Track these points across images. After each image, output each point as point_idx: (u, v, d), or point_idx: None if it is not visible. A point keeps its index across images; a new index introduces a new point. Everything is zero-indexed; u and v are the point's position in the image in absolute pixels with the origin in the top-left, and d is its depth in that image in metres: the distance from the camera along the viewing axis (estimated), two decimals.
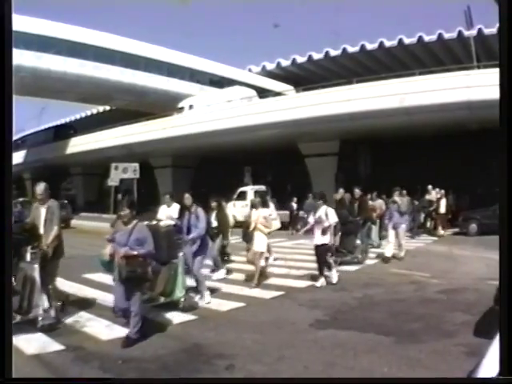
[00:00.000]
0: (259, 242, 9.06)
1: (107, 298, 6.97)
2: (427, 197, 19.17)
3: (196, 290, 7.79)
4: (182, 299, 7.07)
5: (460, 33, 29.32)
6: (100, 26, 56.29)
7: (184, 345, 5.57)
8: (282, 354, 5.15)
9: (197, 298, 7.63)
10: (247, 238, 9.69)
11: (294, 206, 20.51)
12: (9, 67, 2.90)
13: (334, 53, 33.58)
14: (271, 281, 9.39)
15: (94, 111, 46.61)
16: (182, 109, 32.52)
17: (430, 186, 19.16)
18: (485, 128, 19.88)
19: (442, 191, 18.79)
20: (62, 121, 51.25)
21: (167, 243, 6.89)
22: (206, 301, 7.50)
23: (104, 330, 6.09)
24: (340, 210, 10.30)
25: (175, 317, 6.73)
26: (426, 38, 30.61)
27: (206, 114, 28.50)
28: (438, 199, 18.65)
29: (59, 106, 70.74)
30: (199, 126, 27.38)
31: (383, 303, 7.53)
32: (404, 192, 16.11)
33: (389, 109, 20.98)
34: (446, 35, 30.00)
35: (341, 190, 13.00)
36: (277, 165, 29.00)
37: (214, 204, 10.18)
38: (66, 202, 26.15)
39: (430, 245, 15.64)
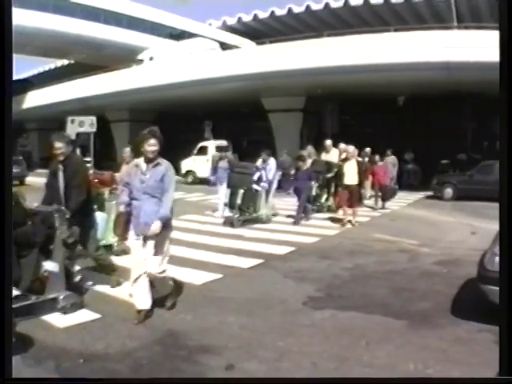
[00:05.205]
0: None
1: None
2: (324, 156, 13.14)
3: None
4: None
5: None
6: None
7: None
8: None
9: None
10: None
11: (259, 162, 13.56)
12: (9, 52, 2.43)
13: (297, 9, 32.71)
14: None
15: (52, 66, 44.92)
16: (141, 61, 31.47)
17: (328, 141, 13.62)
18: (461, 91, 19.68)
19: (357, 150, 11.86)
20: (20, 76, 49.34)
21: None
22: None
23: None
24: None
25: None
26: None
27: (166, 65, 27.53)
28: (343, 160, 11.34)
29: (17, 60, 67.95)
30: (158, 78, 26.33)
31: None
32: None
33: (358, 65, 19.85)
34: None
35: (127, 149, 7.86)
36: (239, 120, 28.38)
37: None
38: (20, 158, 25.44)
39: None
